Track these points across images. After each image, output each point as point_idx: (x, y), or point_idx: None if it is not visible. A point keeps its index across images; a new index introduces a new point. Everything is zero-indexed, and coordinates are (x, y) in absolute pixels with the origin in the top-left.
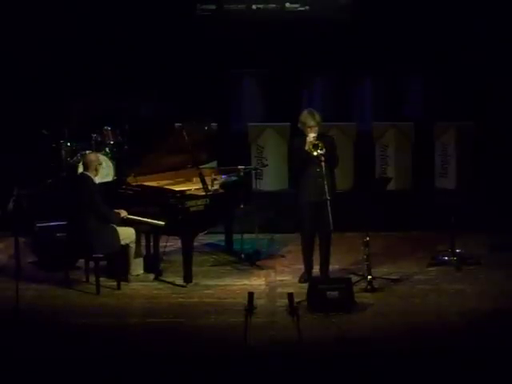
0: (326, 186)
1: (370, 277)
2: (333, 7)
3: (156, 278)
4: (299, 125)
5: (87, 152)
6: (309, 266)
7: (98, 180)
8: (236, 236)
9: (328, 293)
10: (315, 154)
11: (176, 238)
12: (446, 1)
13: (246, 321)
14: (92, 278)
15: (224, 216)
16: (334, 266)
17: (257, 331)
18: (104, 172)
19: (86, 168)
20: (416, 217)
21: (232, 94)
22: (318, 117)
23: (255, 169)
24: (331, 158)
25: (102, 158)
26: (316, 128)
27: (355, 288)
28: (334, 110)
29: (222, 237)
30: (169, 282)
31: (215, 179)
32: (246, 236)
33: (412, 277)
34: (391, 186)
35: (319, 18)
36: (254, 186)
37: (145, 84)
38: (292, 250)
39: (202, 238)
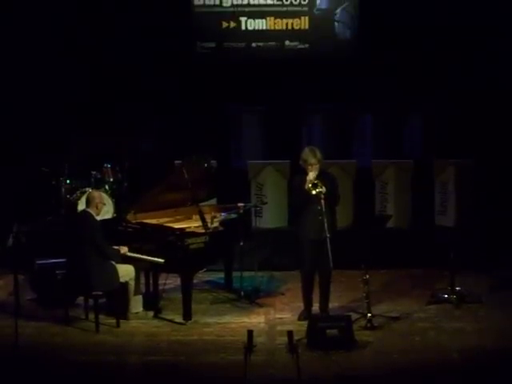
0: (325, 224)
1: (369, 314)
2: (333, 45)
3: (155, 316)
4: (300, 162)
5: (89, 189)
6: (308, 303)
7: (98, 218)
8: (235, 273)
9: (328, 331)
10: (314, 192)
11: (175, 275)
12: (446, 39)
13: (245, 359)
14: (91, 316)
15: (223, 253)
16: (333, 304)
17: (256, 369)
18: (104, 209)
19: (87, 205)
20: (415, 254)
21: (232, 131)
22: (319, 154)
23: (255, 206)
24: (332, 195)
25: (105, 197)
26: (317, 166)
27: (355, 326)
28: (333, 147)
29: (221, 274)
30: (168, 320)
31: (215, 217)
32: (245, 273)
33: (412, 315)
34: (391, 224)
35: (319, 56)
36: (253, 224)
37: (144, 121)
38: (292, 287)
39: (201, 276)
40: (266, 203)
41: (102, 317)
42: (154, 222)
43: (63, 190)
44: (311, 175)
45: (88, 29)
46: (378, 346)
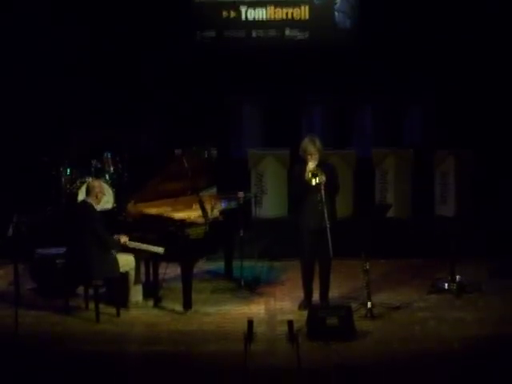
0: (325, 214)
1: (369, 304)
2: (333, 34)
3: (155, 305)
4: (300, 151)
5: (89, 179)
6: (308, 293)
7: (98, 207)
8: (236, 263)
9: (328, 320)
10: (314, 182)
11: (175, 264)
12: (446, 30)
13: (245, 348)
14: (91, 305)
15: (223, 243)
16: (333, 293)
17: (256, 358)
18: (104, 199)
19: (87, 194)
20: (416, 244)
21: (232, 121)
22: (318, 144)
23: (255, 196)
24: (331, 185)
25: (106, 187)
26: (317, 155)
27: (355, 315)
28: (333, 137)
29: (221, 264)
30: (168, 309)
31: (215, 206)
32: (245, 263)
33: (412, 304)
34: (391, 213)
35: (319, 45)
36: (253, 213)
37: (144, 111)
38: (292, 276)
39: (201, 265)
40: (266, 193)
41: (102, 306)
42: (154, 211)
43: (63, 179)
44: (311, 165)
45: (88, 21)
46: (378, 336)
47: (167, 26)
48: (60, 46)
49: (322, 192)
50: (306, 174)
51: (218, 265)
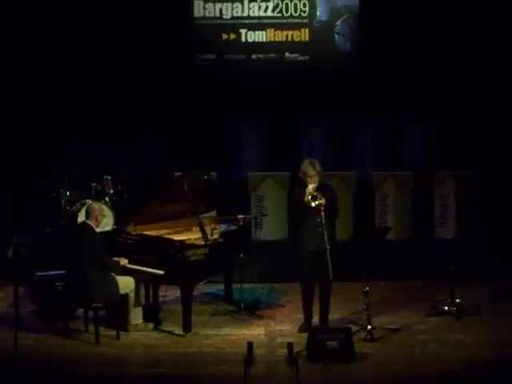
0: (325, 236)
1: (369, 326)
2: (333, 57)
3: (155, 328)
4: (300, 174)
5: (89, 201)
6: (308, 315)
7: (98, 230)
8: (235, 285)
9: (328, 342)
10: (313, 204)
11: (175, 287)
12: (446, 51)
13: (245, 371)
14: (91, 328)
15: (223, 265)
16: (333, 316)
17: (256, 381)
18: (104, 221)
19: (87, 216)
20: (415, 266)
21: (232, 143)
22: (318, 166)
23: (255, 218)
24: (331, 208)
25: (105, 209)
26: (316, 178)
27: (355, 338)
28: (333, 159)
29: (221, 286)
30: (168, 332)
31: (215, 228)
32: (245, 285)
33: (412, 326)
34: (391, 236)
35: (319, 68)
36: (253, 236)
37: (144, 133)
38: (292, 299)
39: (201, 288)
40: (266, 215)
41: (101, 329)
42: (153, 233)
43: (63, 201)
44: (311, 187)
45: (88, 41)
46: (377, 358)
47: (167, 47)
48: (60, 63)
49: (322, 214)
50: (306, 197)
51: (218, 287)
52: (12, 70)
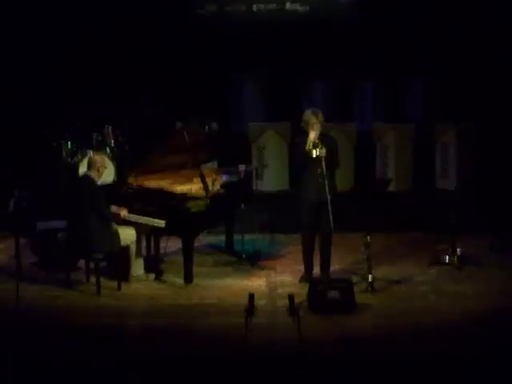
0: (326, 186)
1: (370, 278)
2: (333, 8)
3: (156, 279)
4: (302, 123)
5: (90, 152)
6: (309, 266)
7: (99, 181)
8: (237, 236)
9: (328, 293)
10: (315, 153)
11: (176, 238)
12: (447, 3)
13: (246, 321)
14: (93, 279)
15: (224, 216)
16: (334, 267)
17: (257, 332)
18: (105, 172)
19: (89, 168)
20: (416, 218)
21: (232, 95)
22: (320, 116)
23: (256, 169)
24: (332, 158)
25: (107, 160)
26: (318, 125)
27: (356, 289)
28: (334, 111)
29: (222, 237)
30: (169, 283)
31: (216, 179)
32: (246, 236)
33: (412, 278)
34: (391, 187)
35: (320, 19)
36: (254, 187)
37: (145, 85)
38: (292, 250)
39: (202, 239)
40: (267, 166)
41: (103, 280)
42: (155, 184)
43: (64, 152)
44: (312, 136)
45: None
46: (378, 309)
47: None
48: (59, 23)
49: (323, 165)
50: (307, 145)
51: (219, 238)
52: (16, 25)
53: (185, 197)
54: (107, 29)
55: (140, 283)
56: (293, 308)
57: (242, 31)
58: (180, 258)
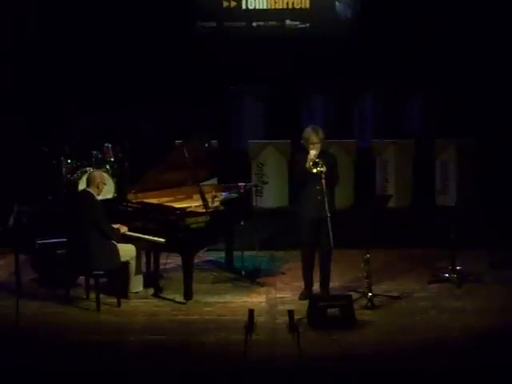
0: (326, 204)
1: (370, 294)
2: (333, 25)
3: (156, 295)
4: (302, 141)
5: (90, 169)
6: (309, 283)
7: (99, 197)
8: (236, 253)
9: (328, 310)
10: (315, 171)
11: (176, 254)
12: (446, 19)
13: (246, 338)
14: (92, 295)
15: (224, 233)
16: (334, 283)
17: (257, 348)
18: (105, 189)
19: (88, 184)
20: (416, 234)
21: (232, 111)
22: (321, 134)
23: (255, 186)
24: (332, 175)
25: (106, 177)
26: (318, 145)
27: (356, 305)
28: (334, 127)
29: (222, 254)
30: (169, 299)
31: (215, 196)
32: (246, 253)
33: (412, 294)
34: (391, 203)
35: (320, 36)
36: (254, 203)
37: (145, 101)
38: (292, 267)
39: (202, 255)
40: (267, 183)
41: (102, 296)
42: (154, 201)
43: (64, 169)
44: (312, 154)
45: (86, 10)
46: (378, 326)
47: (168, 15)
48: (58, 36)
49: (323, 182)
50: (308, 163)
51: (219, 255)
52: (11, 38)
53: (184, 213)
54: (107, 44)
55: (139, 300)
56: (292, 324)
57: (241, 47)
58: (180, 275)
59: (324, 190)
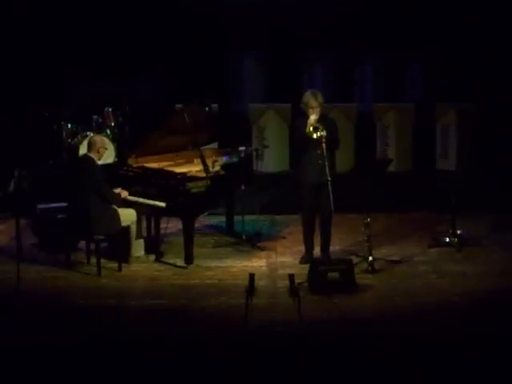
0: (326, 168)
1: (370, 258)
2: None
3: (157, 260)
4: (301, 105)
5: (90, 134)
6: (309, 247)
7: (99, 162)
8: (237, 217)
9: (329, 274)
10: (315, 136)
11: (177, 219)
12: None
13: (246, 302)
14: (93, 260)
15: (225, 197)
16: (334, 248)
17: (257, 312)
18: (105, 154)
19: (89, 149)
20: (417, 198)
21: (232, 76)
22: (320, 98)
23: (256, 150)
24: (332, 140)
25: (107, 141)
26: (318, 109)
27: (356, 269)
28: (334, 91)
29: (222, 218)
30: (170, 264)
31: (216, 161)
32: (247, 217)
33: (413, 258)
34: (392, 167)
35: (320, 0)
36: (254, 167)
37: (145, 66)
38: (293, 231)
39: (203, 220)
40: (268, 147)
41: (103, 261)
42: (155, 166)
43: (64, 134)
44: (312, 118)
45: None
46: (379, 290)
47: None
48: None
49: (323, 146)
50: (307, 128)
51: (220, 219)
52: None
53: (185, 177)
54: (106, 9)
55: (140, 264)
56: (293, 288)
57: (241, 11)
58: (180, 239)
59: (325, 154)
